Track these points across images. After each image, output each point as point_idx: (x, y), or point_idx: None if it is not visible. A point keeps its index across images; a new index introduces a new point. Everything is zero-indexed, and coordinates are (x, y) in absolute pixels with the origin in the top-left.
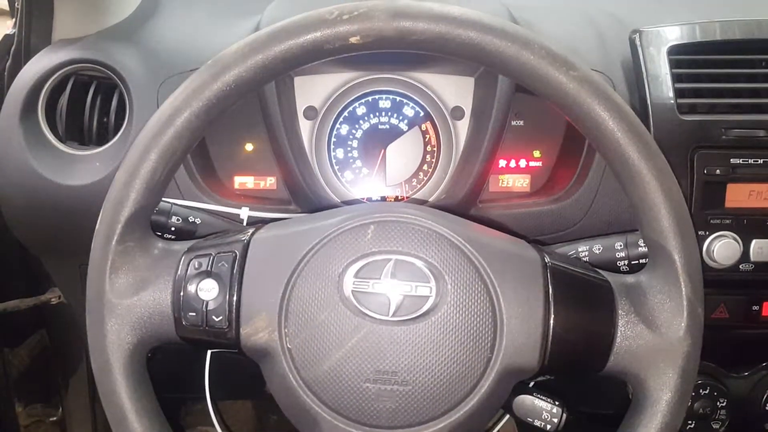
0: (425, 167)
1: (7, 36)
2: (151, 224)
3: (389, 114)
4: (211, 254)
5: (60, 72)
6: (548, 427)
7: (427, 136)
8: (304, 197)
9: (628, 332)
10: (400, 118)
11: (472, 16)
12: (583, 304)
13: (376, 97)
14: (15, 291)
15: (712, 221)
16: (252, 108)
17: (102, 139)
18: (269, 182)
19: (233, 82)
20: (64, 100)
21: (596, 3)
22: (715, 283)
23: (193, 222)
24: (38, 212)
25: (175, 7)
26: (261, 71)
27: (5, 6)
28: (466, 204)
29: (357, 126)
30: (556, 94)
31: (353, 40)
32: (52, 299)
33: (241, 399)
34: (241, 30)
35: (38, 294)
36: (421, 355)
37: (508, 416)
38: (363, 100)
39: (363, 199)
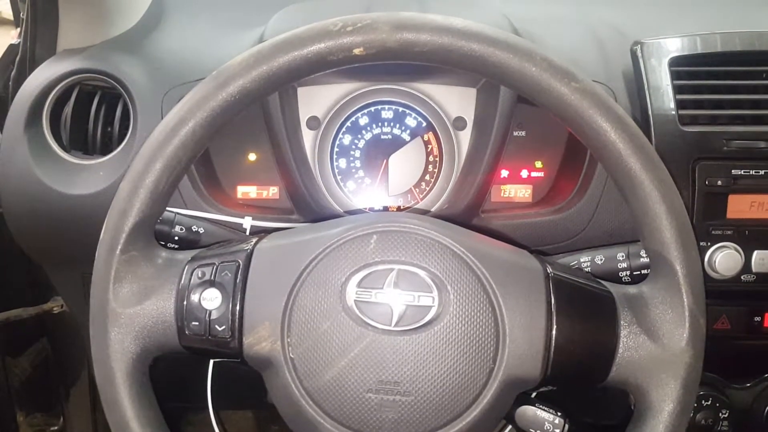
0: (427, 177)
1: (12, 45)
2: (154, 233)
3: (392, 124)
4: (214, 264)
5: (64, 82)
6: None
7: (430, 146)
8: (306, 207)
9: (630, 343)
10: (403, 128)
11: (474, 28)
12: (586, 314)
13: (379, 107)
14: (17, 299)
15: (713, 232)
16: (255, 118)
17: (106, 148)
18: (272, 192)
19: (237, 92)
20: (68, 109)
21: (598, 14)
22: (716, 293)
23: (197, 231)
24: (42, 221)
25: (180, 17)
26: (265, 82)
27: (9, 15)
28: (468, 214)
29: (360, 136)
30: (558, 106)
31: (357, 51)
32: (55, 308)
33: (243, 408)
34: (245, 41)
35: (40, 302)
36: (424, 366)
37: (510, 427)
38: (366, 111)
39: (366, 209)
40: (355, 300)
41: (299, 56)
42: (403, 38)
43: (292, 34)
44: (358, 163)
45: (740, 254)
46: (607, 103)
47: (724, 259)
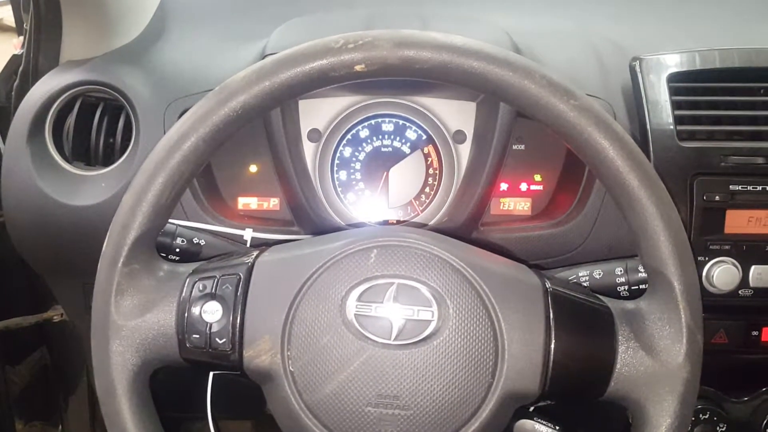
0: (427, 190)
1: (15, 56)
2: (156, 245)
3: (392, 137)
4: (215, 277)
5: (67, 93)
6: None
7: (430, 159)
8: (306, 218)
9: (627, 358)
10: (403, 141)
11: (474, 46)
12: (584, 329)
13: (379, 120)
14: (17, 308)
15: (711, 247)
16: (256, 130)
17: (108, 159)
18: (272, 203)
19: (240, 108)
20: (71, 120)
21: (597, 29)
22: (714, 308)
23: (198, 243)
24: (44, 231)
25: (182, 30)
26: (267, 98)
27: (11, 23)
28: (467, 227)
29: (360, 148)
30: (557, 123)
31: (358, 68)
32: (54, 317)
33: (242, 418)
34: (247, 54)
35: (40, 311)
36: (423, 380)
37: None
38: (366, 123)
39: (368, 222)
40: (355, 314)
41: (301, 72)
42: (404, 55)
43: (295, 50)
44: (358, 176)
45: (738, 269)
46: (606, 120)
47: (722, 274)
